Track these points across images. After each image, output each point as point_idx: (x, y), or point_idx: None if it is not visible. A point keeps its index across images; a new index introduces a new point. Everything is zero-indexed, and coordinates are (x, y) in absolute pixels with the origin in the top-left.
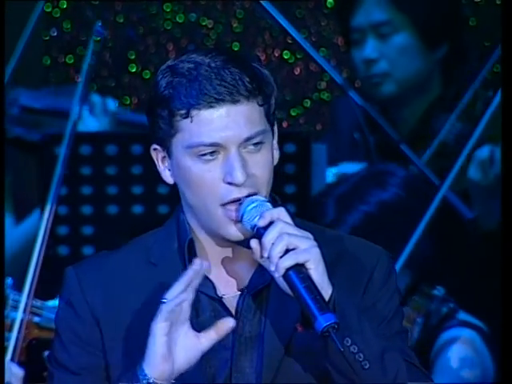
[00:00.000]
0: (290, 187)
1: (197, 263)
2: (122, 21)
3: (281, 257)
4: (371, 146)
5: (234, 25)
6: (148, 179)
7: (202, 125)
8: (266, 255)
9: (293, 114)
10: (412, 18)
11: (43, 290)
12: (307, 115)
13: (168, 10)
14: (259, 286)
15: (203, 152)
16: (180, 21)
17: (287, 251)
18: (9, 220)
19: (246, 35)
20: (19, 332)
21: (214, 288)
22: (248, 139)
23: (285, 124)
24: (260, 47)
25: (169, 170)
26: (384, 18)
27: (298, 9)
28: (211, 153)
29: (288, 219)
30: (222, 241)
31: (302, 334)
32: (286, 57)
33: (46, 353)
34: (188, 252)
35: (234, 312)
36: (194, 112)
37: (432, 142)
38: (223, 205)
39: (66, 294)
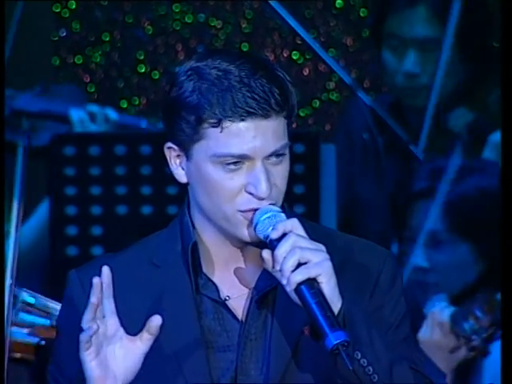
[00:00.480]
0: (299, 187)
1: (94, 282)
2: (130, 21)
3: (292, 271)
4: (380, 146)
5: (243, 25)
6: (157, 180)
7: (231, 136)
8: (278, 268)
9: (302, 114)
10: (457, 36)
11: (52, 291)
12: (316, 115)
13: (177, 11)
14: (266, 289)
15: (228, 161)
16: (189, 21)
17: (299, 265)
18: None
19: (255, 36)
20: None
21: (218, 291)
22: (273, 152)
23: (293, 124)
24: (269, 47)
25: (182, 168)
26: (431, 34)
27: (307, 9)
28: (235, 162)
29: (301, 231)
30: (231, 242)
31: (309, 338)
32: (294, 57)
33: None
34: (191, 255)
35: (239, 314)
36: (225, 124)
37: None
38: (242, 211)
39: (69, 298)
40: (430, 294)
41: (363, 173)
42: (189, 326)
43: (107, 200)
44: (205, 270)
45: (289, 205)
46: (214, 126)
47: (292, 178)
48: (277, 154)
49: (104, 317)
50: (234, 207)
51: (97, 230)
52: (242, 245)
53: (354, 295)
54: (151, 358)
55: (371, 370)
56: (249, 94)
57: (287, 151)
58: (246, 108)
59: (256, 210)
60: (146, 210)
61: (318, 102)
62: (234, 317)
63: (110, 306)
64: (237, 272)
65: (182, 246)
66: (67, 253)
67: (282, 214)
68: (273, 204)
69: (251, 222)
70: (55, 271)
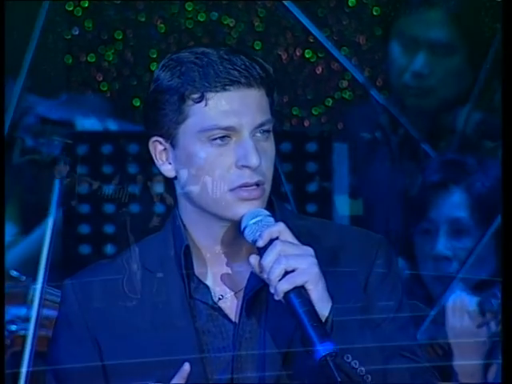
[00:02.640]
0: (312, 186)
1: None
2: (143, 19)
3: (279, 280)
4: (393, 144)
5: (256, 24)
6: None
7: (216, 108)
8: (265, 276)
9: (314, 112)
10: (469, 42)
11: None
12: (329, 114)
13: (190, 9)
14: (257, 287)
15: (215, 136)
16: (201, 19)
17: (286, 273)
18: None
19: (268, 34)
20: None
21: (210, 292)
22: (260, 125)
23: (306, 123)
24: (282, 46)
25: (169, 163)
26: (445, 40)
27: (320, 8)
28: (222, 137)
29: (288, 236)
30: (222, 237)
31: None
32: (307, 56)
33: None
34: (184, 259)
35: (232, 314)
36: (209, 95)
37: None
38: (232, 190)
39: (64, 309)
40: (452, 283)
41: (376, 171)
42: (183, 330)
43: (120, 198)
44: (197, 272)
45: (302, 203)
46: (198, 102)
47: (305, 177)
48: (262, 128)
49: None
50: (225, 186)
51: (109, 229)
52: (227, 245)
53: (349, 284)
54: (148, 362)
55: (364, 370)
56: (230, 66)
57: (271, 129)
58: (229, 77)
59: (247, 185)
60: (159, 208)
61: (330, 101)
62: (228, 317)
63: None
64: (228, 271)
65: (174, 250)
66: (80, 251)
67: (271, 219)
68: (262, 182)
69: (241, 199)
70: (68, 270)
